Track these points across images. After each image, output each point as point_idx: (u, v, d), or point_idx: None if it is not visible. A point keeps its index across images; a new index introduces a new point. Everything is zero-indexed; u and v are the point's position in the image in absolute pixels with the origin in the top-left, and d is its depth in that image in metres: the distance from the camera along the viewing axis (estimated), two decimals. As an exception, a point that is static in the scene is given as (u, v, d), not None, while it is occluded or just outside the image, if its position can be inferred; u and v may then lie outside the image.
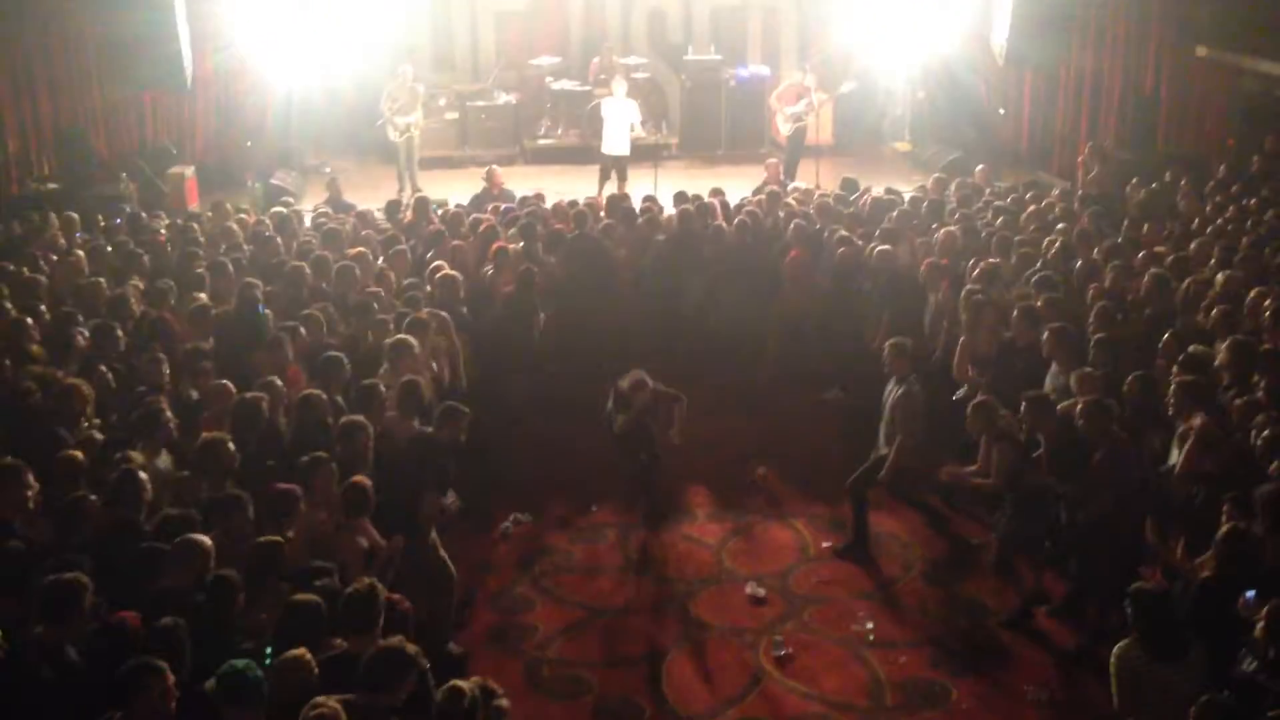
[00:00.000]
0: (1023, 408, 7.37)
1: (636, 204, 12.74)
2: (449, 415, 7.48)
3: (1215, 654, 5.37)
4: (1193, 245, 10.24)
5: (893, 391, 8.26)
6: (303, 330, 8.50)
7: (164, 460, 6.92)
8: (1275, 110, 13.95)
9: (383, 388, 7.74)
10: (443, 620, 7.20)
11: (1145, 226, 11.14)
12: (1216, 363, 7.52)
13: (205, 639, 5.13)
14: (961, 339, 8.86)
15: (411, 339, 8.30)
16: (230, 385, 7.52)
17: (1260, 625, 5.13)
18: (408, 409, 7.58)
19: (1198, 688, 4.96)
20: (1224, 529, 5.73)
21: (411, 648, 5.04)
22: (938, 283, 9.77)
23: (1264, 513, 5.80)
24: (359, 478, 6.56)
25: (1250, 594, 5.38)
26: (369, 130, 16.80)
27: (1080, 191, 13.23)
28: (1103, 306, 8.61)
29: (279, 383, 7.65)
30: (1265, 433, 6.48)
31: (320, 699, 4.48)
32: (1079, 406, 7.09)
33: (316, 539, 6.32)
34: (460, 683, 4.86)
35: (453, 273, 9.91)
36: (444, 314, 9.28)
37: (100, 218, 12.33)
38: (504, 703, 5.09)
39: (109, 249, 10.83)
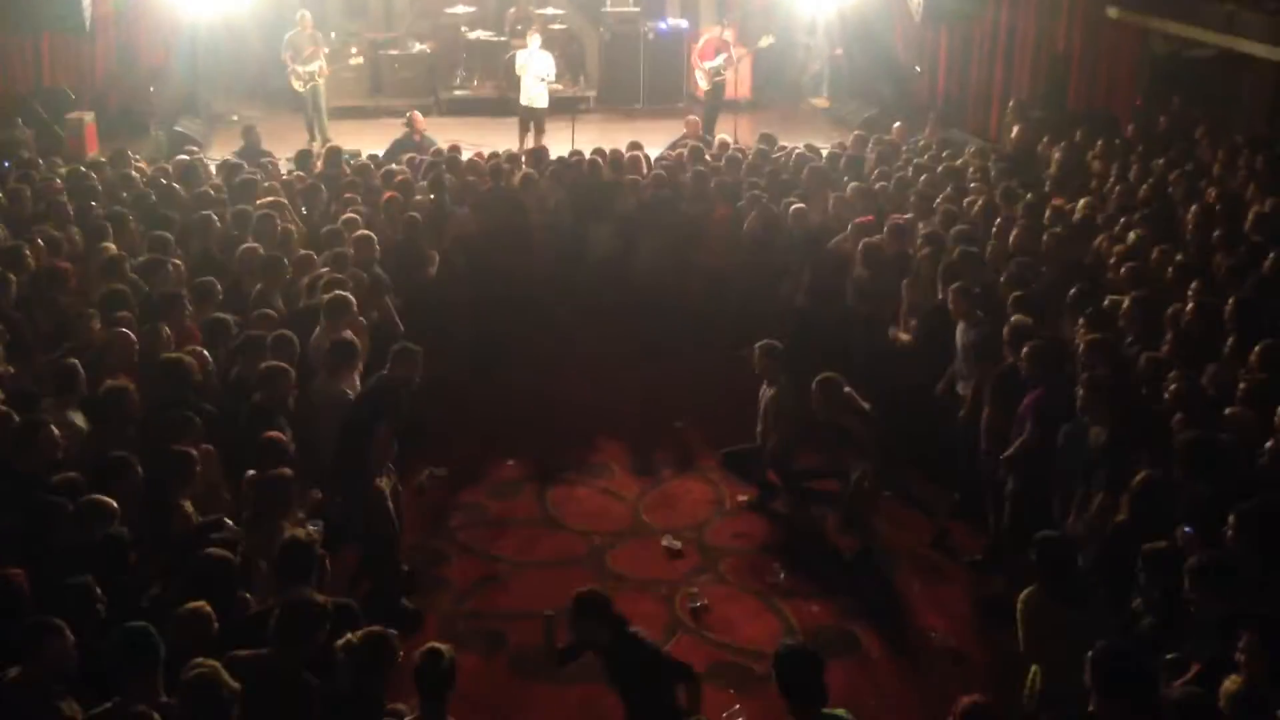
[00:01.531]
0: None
1: (555, 156, 12.63)
2: (402, 355, 7.31)
3: (1118, 600, 5.53)
4: (1083, 204, 10.37)
5: (765, 392, 8.27)
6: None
7: (78, 418, 6.70)
8: (1182, 70, 14.23)
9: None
10: (382, 571, 7.13)
11: (1061, 185, 11.31)
12: (1120, 319, 7.67)
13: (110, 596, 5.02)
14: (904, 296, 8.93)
15: (349, 295, 8.10)
16: (130, 334, 7.28)
17: (1140, 568, 5.28)
18: (339, 368, 7.41)
19: (1100, 632, 5.09)
20: (1138, 477, 5.84)
21: (321, 599, 4.96)
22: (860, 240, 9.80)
23: (1183, 459, 5.89)
24: (273, 432, 6.45)
25: (1188, 529, 5.53)
26: (278, 78, 16.33)
27: (995, 150, 13.36)
28: (1016, 263, 8.74)
29: (168, 333, 7.45)
30: (1172, 388, 6.62)
31: (199, 659, 4.38)
32: (1025, 350, 7.13)
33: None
34: (439, 645, 4.71)
35: (368, 232, 9.68)
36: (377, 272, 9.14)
37: (-5, 164, 11.86)
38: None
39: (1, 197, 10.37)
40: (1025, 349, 7.06)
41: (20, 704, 4.39)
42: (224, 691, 4.31)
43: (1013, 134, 13.80)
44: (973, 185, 11.27)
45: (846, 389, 7.77)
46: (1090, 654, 4.69)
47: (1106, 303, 7.95)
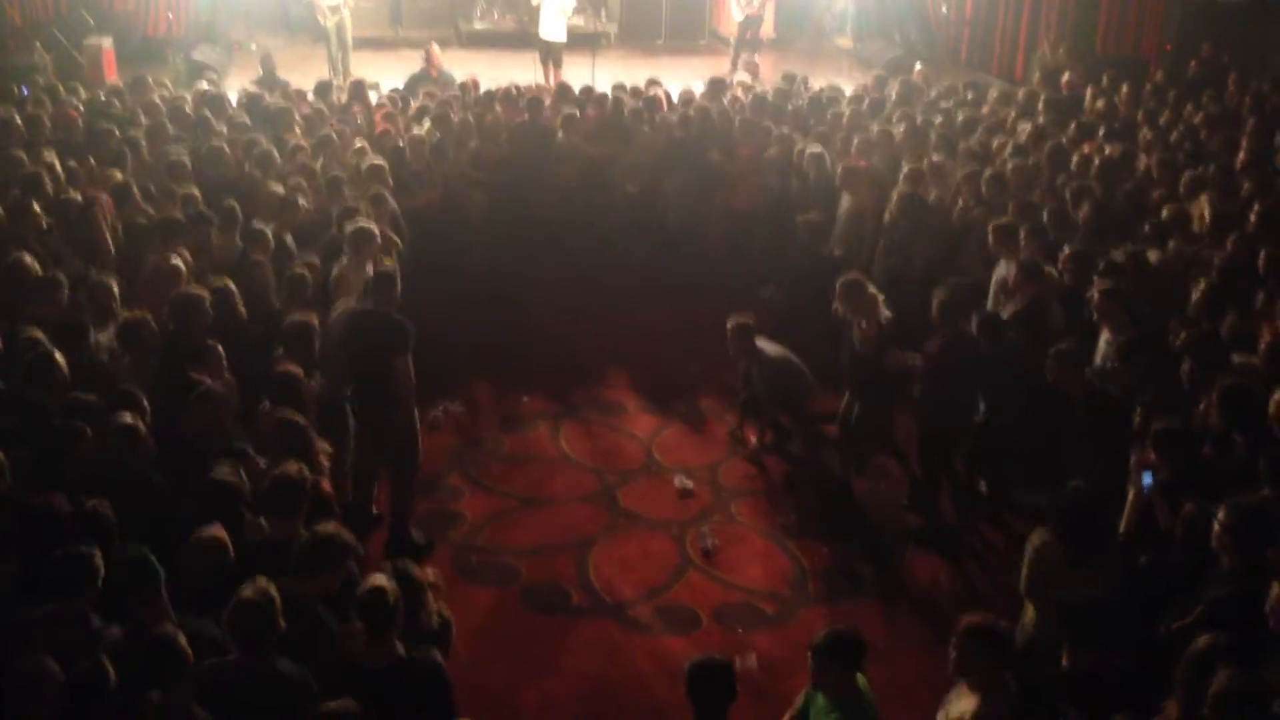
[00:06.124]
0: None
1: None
2: (381, 281, 7.15)
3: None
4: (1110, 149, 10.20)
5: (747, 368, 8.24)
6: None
7: (105, 338, 6.73)
8: (1213, 15, 13.98)
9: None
10: (403, 499, 7.21)
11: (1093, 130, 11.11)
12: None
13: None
14: None
15: (373, 227, 8.08)
16: (181, 266, 7.30)
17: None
18: (382, 299, 7.28)
19: (1104, 584, 5.07)
20: (1156, 428, 5.70)
21: (347, 535, 4.98)
22: (857, 184, 9.68)
23: (1220, 407, 5.77)
24: (288, 366, 6.46)
25: (1148, 478, 5.55)
26: (298, 5, 16.14)
27: (1044, 96, 12.96)
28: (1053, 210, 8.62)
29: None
30: (1182, 335, 6.56)
31: (260, 578, 4.41)
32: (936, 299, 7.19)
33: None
34: (383, 580, 4.59)
35: (379, 161, 9.65)
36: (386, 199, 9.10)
37: (14, 88, 11.79)
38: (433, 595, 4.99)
39: (18, 122, 10.29)
40: (935, 298, 7.14)
41: (60, 634, 4.37)
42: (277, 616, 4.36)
43: (1064, 79, 13.39)
44: (1020, 127, 11.02)
45: (871, 290, 7.60)
46: (1060, 601, 4.67)
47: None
